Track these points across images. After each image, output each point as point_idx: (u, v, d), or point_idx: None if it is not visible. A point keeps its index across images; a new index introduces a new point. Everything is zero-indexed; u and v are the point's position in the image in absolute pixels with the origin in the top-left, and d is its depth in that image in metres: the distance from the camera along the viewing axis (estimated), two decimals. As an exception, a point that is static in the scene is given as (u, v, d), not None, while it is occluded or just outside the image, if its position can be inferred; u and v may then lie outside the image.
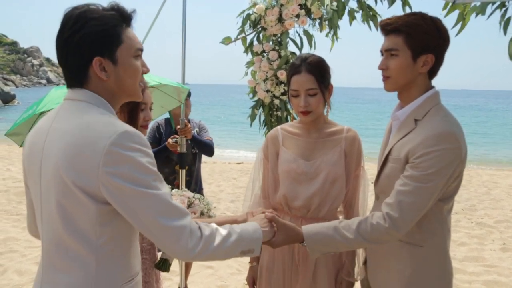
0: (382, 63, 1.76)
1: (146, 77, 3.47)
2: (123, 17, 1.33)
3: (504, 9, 2.98)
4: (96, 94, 1.32)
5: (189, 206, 2.03)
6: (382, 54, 1.78)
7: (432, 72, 1.76)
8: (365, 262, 1.99)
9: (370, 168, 2.60)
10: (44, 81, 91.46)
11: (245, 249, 1.43)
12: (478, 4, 3.05)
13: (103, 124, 1.25)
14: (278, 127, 2.32)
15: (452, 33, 3.26)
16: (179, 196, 2.06)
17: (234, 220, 1.79)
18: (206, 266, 4.81)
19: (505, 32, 2.87)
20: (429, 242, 1.73)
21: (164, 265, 2.08)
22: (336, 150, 2.14)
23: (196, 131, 3.89)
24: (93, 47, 1.28)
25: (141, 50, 1.38)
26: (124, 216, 1.27)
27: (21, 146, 3.08)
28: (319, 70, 2.07)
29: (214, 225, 1.39)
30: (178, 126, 3.47)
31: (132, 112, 1.93)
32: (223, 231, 1.39)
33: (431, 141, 1.59)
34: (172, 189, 2.50)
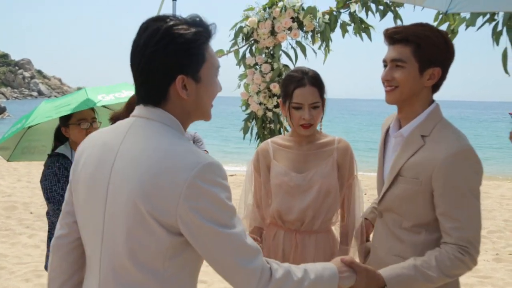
0: (387, 74, 1.66)
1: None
2: (207, 33, 1.26)
3: (494, 23, 3.02)
4: (172, 114, 1.25)
5: None
6: (385, 65, 1.69)
7: (436, 86, 1.69)
8: None
9: (362, 179, 2.58)
10: (35, 93, 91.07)
11: None
12: (468, 16, 3.08)
13: (184, 152, 1.18)
14: (269, 140, 2.30)
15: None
16: None
17: None
18: (199, 281, 4.73)
19: (497, 43, 2.90)
20: None
21: None
22: (329, 161, 2.13)
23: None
24: (178, 65, 1.21)
25: (219, 67, 1.33)
26: (196, 250, 1.21)
27: (8, 160, 3.04)
28: (320, 83, 2.09)
29: (287, 267, 1.28)
30: None
31: None
32: (295, 275, 1.28)
33: (462, 155, 1.55)
34: None
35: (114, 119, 2.21)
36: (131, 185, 1.17)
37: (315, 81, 2.06)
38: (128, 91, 3.33)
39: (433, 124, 1.65)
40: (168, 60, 1.20)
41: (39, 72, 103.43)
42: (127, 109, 2.22)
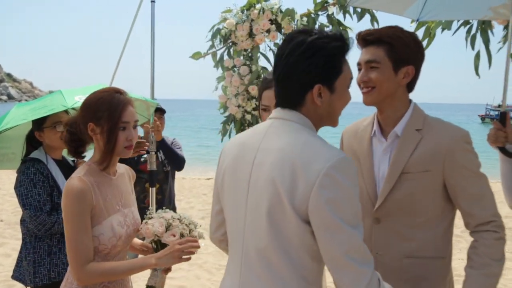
0: (363, 75, 1.70)
1: None
2: (345, 48, 1.38)
3: (468, 26, 3.07)
4: (307, 117, 1.38)
5: (167, 229, 1.93)
6: (359, 68, 1.73)
7: (411, 85, 1.74)
8: None
9: None
10: (5, 97, 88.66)
11: None
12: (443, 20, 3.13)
13: (320, 145, 1.29)
14: None
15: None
16: (159, 219, 1.96)
17: None
18: (179, 286, 4.68)
19: (472, 47, 2.95)
20: (448, 251, 1.74)
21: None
22: None
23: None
24: (317, 75, 1.34)
25: (352, 79, 1.43)
26: (316, 239, 1.27)
27: None
28: None
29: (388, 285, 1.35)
30: (145, 124, 3.33)
31: (111, 132, 1.80)
32: None
33: (463, 139, 1.65)
34: (144, 208, 2.38)
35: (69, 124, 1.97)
36: (270, 172, 1.29)
37: None
38: None
39: (422, 118, 1.71)
40: (309, 70, 1.33)
41: (9, 75, 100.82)
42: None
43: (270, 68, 3.52)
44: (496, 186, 2.45)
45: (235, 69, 3.58)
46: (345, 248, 1.23)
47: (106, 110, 1.80)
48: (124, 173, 2.03)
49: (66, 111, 2.54)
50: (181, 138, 4.08)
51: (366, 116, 1.90)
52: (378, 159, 1.76)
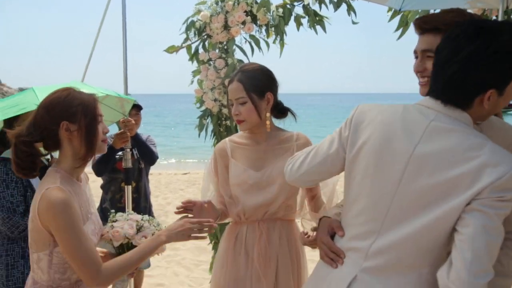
0: (419, 65, 1.57)
1: (92, 89, 3.27)
2: None
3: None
4: (470, 119, 1.33)
5: (138, 230, 1.87)
6: (416, 56, 1.60)
7: None
8: None
9: None
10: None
11: None
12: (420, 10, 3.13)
13: (500, 149, 1.26)
14: (226, 139, 2.25)
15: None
16: (126, 221, 1.89)
17: None
18: (157, 284, 4.60)
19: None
20: None
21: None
22: (287, 156, 2.06)
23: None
24: (497, 80, 1.28)
25: None
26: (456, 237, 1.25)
27: None
28: (250, 78, 2.04)
29: None
30: (121, 120, 3.29)
31: (91, 126, 1.70)
32: None
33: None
34: (118, 209, 2.32)
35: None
36: (439, 167, 1.27)
37: (243, 76, 2.04)
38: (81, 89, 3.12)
39: None
40: (491, 74, 1.27)
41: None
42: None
43: (246, 61, 3.46)
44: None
45: (211, 62, 3.50)
46: (487, 257, 1.22)
47: (79, 105, 1.70)
48: (83, 177, 1.92)
49: None
50: (156, 133, 4.00)
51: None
52: None
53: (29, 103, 2.35)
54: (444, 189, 1.26)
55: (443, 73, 1.33)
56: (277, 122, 2.21)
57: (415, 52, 1.61)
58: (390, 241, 1.35)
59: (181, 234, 1.75)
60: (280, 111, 2.18)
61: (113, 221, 1.92)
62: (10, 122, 2.43)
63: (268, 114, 2.10)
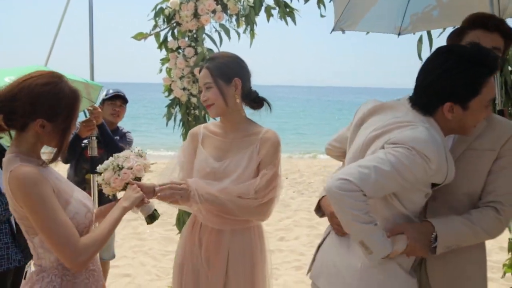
0: None
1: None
2: (490, 71, 1.51)
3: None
4: (436, 122, 1.58)
5: (121, 168, 2.04)
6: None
7: None
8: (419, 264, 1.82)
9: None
10: None
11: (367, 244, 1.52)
12: None
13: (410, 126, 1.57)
14: (202, 125, 2.30)
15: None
16: (108, 172, 2.05)
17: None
18: (123, 274, 4.55)
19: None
20: None
21: (156, 214, 2.08)
22: (248, 151, 2.11)
23: (117, 138, 3.63)
24: (452, 94, 1.52)
25: (493, 99, 1.58)
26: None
27: None
28: (217, 64, 2.09)
29: None
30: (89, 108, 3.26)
31: (66, 131, 1.64)
32: None
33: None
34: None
35: None
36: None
37: (211, 63, 2.10)
38: None
39: None
40: (445, 87, 1.52)
41: None
42: None
43: (216, 50, 3.44)
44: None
45: (180, 50, 3.46)
46: None
47: (65, 108, 1.62)
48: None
49: None
50: (124, 123, 3.93)
51: None
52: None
53: None
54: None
55: (416, 80, 1.61)
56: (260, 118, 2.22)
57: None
58: None
59: (138, 198, 1.88)
60: (254, 100, 2.18)
61: (119, 168, 2.04)
62: None
63: (238, 101, 2.11)
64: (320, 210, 1.99)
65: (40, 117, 1.58)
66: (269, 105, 2.21)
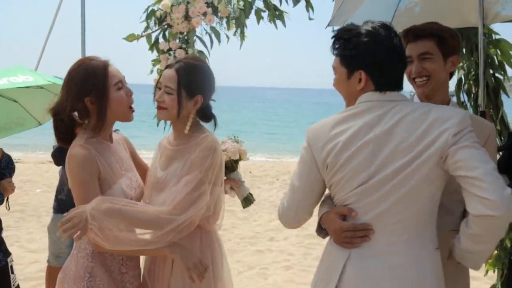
0: (418, 66, 1.85)
1: (38, 76, 3.19)
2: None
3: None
4: None
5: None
6: (410, 60, 1.84)
7: (452, 73, 1.98)
8: None
9: (274, 166, 2.61)
10: None
11: None
12: None
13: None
14: (169, 134, 2.19)
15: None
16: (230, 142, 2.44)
17: None
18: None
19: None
20: None
21: (250, 198, 2.40)
22: (184, 159, 1.97)
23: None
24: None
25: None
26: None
27: None
28: (187, 73, 1.96)
29: None
30: None
31: (101, 96, 1.88)
32: None
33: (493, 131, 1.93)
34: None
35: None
36: None
37: (181, 68, 1.96)
38: (24, 76, 3.07)
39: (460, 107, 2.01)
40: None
41: None
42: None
43: (206, 52, 3.49)
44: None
45: (171, 52, 3.50)
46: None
47: (88, 79, 1.86)
48: (119, 139, 2.08)
49: None
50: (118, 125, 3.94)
51: None
52: None
53: None
54: None
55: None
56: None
57: (408, 57, 1.83)
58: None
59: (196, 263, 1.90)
60: (205, 115, 2.07)
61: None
62: None
63: (192, 115, 2.00)
64: (322, 230, 1.78)
65: (83, 96, 1.88)
66: (215, 124, 2.11)
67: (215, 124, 2.12)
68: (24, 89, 3.14)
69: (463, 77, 3.01)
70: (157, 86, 2.04)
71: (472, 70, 2.93)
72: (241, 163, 2.48)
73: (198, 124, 2.06)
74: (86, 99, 1.86)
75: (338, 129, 1.58)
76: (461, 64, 2.98)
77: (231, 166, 2.35)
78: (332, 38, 1.65)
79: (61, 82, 2.91)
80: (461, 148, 1.43)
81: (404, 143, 1.49)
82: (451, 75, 1.96)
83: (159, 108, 1.99)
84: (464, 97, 3.07)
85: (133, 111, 1.96)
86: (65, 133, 1.92)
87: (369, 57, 1.55)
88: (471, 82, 2.97)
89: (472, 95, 2.95)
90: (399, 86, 1.60)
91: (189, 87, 1.96)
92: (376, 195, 1.53)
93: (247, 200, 2.34)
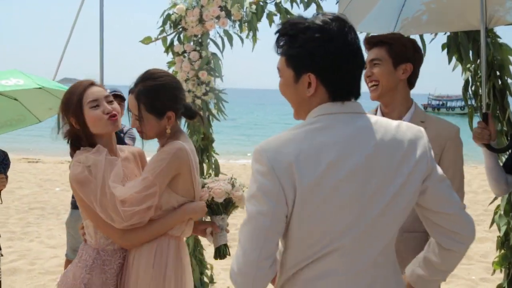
0: (367, 71, 1.96)
1: (27, 78, 3.33)
2: None
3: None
4: None
5: (233, 186, 2.12)
6: (365, 67, 1.93)
7: (411, 82, 2.00)
8: None
9: None
10: None
11: None
12: None
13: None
14: None
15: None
16: (217, 181, 2.14)
17: None
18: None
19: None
20: None
21: (224, 251, 2.11)
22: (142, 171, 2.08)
23: (121, 135, 3.77)
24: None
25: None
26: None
27: None
28: (149, 97, 1.94)
29: None
30: None
31: (79, 116, 1.96)
32: None
33: (458, 134, 1.96)
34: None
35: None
36: None
37: (141, 93, 1.94)
38: (16, 79, 3.22)
39: (423, 112, 2.01)
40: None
41: None
42: None
43: (219, 54, 3.61)
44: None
45: (185, 54, 3.63)
46: None
47: (68, 100, 1.97)
48: (132, 153, 2.16)
49: None
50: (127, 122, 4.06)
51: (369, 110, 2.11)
52: None
53: None
54: None
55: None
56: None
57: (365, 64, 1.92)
58: None
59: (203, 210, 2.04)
60: (188, 116, 2.10)
61: (204, 185, 2.10)
62: None
63: (168, 131, 1.98)
64: None
65: (68, 115, 2.01)
66: (202, 121, 2.31)
67: (203, 122, 2.30)
68: (23, 89, 3.30)
69: (470, 79, 3.06)
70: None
71: (479, 72, 2.97)
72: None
73: (177, 134, 2.02)
74: (71, 118, 1.97)
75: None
76: (467, 66, 3.04)
77: (215, 208, 2.06)
78: (275, 33, 1.35)
79: (53, 85, 3.07)
80: (434, 181, 1.32)
81: (389, 170, 1.26)
82: (411, 83, 1.99)
83: (139, 132, 2.00)
84: (471, 99, 3.12)
85: (114, 121, 1.94)
86: (72, 140, 2.05)
87: (318, 57, 1.25)
88: (478, 84, 3.01)
89: (479, 97, 2.98)
90: (356, 93, 1.32)
91: (155, 109, 1.94)
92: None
93: (220, 251, 2.07)
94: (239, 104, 47.59)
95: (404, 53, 1.93)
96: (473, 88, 3.10)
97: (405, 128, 1.33)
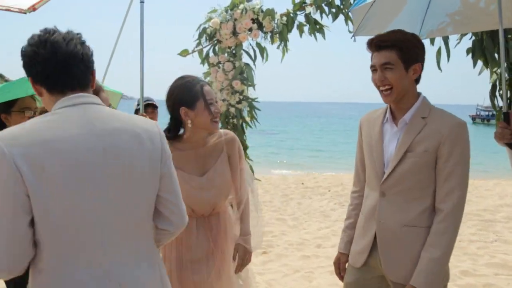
0: (380, 76, 1.95)
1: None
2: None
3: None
4: None
5: None
6: (374, 69, 1.98)
7: (418, 79, 2.01)
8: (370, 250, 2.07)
9: (326, 178, 2.74)
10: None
11: None
12: None
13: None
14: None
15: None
16: None
17: None
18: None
19: (432, 43, 3.23)
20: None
21: None
22: (221, 157, 2.28)
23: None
24: None
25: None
26: None
27: None
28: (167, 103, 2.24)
29: None
30: None
31: None
32: None
33: (461, 128, 1.90)
34: None
35: None
36: None
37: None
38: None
39: (428, 108, 1.97)
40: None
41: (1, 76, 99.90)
42: None
43: (252, 64, 3.80)
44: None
45: (220, 65, 3.83)
46: None
47: None
48: None
49: (33, 98, 2.68)
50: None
51: (379, 108, 2.18)
52: (387, 142, 2.02)
53: (21, 90, 2.54)
54: None
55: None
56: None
57: (372, 66, 1.98)
58: None
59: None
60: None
61: None
62: (6, 106, 2.59)
63: (190, 125, 2.20)
64: None
65: None
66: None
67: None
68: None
69: (497, 83, 3.08)
70: (210, 103, 2.26)
71: (506, 74, 2.99)
72: (294, 174, 2.44)
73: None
74: None
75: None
76: (494, 69, 3.06)
77: None
78: None
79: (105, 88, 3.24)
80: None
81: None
82: (417, 79, 2.01)
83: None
84: (498, 101, 3.13)
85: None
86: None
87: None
88: (507, 87, 3.03)
89: (507, 99, 3.00)
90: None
91: (174, 110, 2.21)
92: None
93: None
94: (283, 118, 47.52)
95: (414, 55, 1.94)
96: (501, 92, 3.12)
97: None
